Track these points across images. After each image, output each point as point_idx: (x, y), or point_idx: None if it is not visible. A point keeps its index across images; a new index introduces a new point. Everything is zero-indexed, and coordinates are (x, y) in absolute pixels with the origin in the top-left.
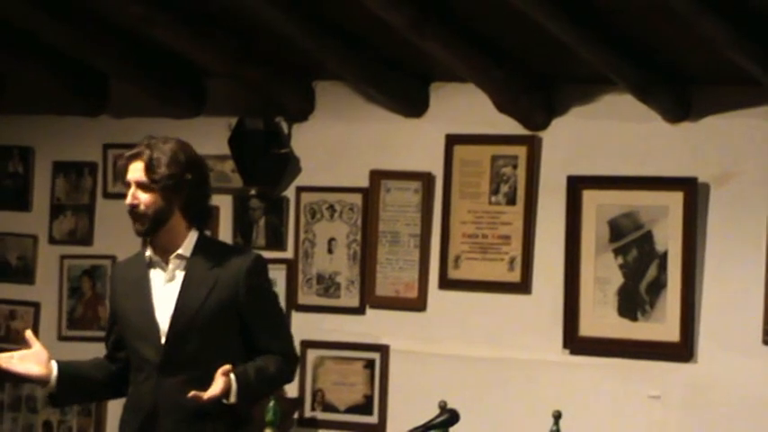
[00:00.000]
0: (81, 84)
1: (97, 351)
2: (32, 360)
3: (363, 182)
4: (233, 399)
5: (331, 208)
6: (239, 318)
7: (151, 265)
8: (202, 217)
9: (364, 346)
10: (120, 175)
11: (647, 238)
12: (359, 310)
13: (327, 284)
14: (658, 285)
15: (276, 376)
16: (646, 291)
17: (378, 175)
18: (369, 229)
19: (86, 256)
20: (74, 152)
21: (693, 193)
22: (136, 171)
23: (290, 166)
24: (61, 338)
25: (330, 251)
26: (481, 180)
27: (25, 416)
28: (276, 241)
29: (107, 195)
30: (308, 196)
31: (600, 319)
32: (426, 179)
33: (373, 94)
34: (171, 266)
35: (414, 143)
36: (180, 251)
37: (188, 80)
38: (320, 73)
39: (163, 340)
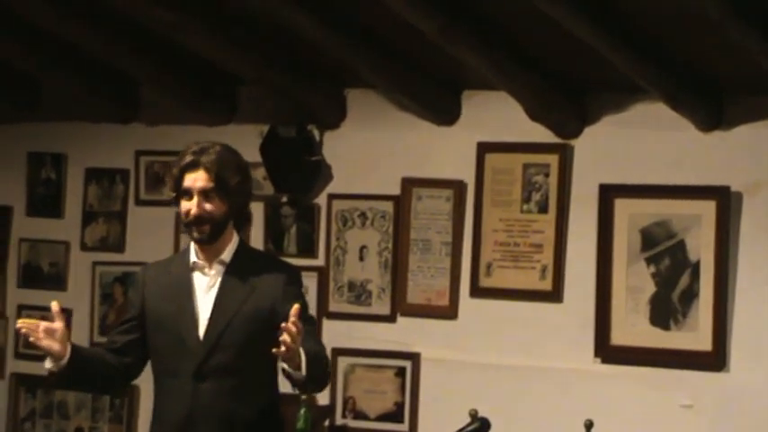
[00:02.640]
0: (113, 91)
1: None
2: (54, 336)
3: (395, 189)
4: (303, 369)
5: (362, 215)
6: (276, 328)
7: (194, 269)
8: (245, 222)
9: (395, 354)
10: (174, 183)
11: (680, 246)
12: (390, 318)
13: (359, 292)
14: (691, 294)
15: (327, 363)
16: (678, 300)
17: (409, 183)
18: (400, 236)
19: (118, 262)
20: (106, 159)
21: (726, 201)
22: (199, 180)
23: (321, 173)
24: (93, 345)
25: (361, 259)
26: (513, 188)
27: (57, 422)
28: (307, 249)
29: (139, 202)
30: (339, 204)
31: (632, 327)
32: (458, 187)
33: (405, 102)
34: (213, 272)
35: (445, 151)
36: (222, 256)
37: (220, 87)
38: (352, 81)
39: (200, 346)
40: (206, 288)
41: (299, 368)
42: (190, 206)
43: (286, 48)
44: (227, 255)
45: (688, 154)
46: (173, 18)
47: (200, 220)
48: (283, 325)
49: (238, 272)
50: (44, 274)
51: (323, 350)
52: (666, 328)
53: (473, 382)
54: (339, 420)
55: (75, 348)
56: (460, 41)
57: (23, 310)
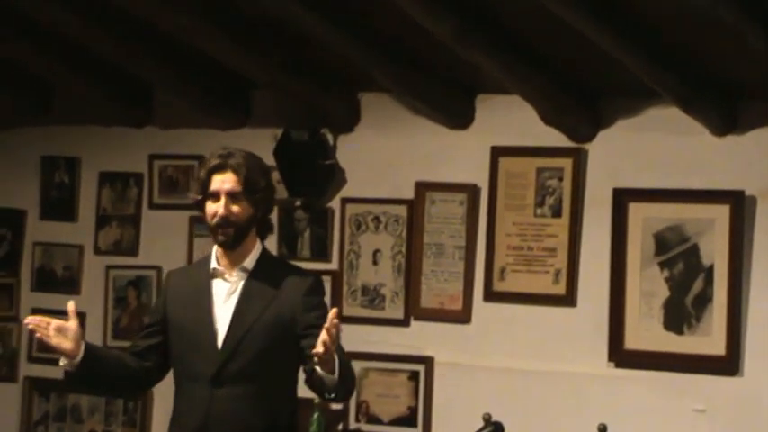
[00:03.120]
0: (127, 95)
1: None
2: (66, 334)
3: (408, 194)
4: (336, 373)
5: (376, 219)
6: (296, 336)
7: (214, 275)
8: (267, 229)
9: (409, 358)
10: (201, 186)
11: (694, 251)
12: (403, 322)
13: (372, 296)
14: (704, 299)
15: (354, 373)
16: (692, 304)
17: (423, 187)
18: (414, 240)
19: (132, 266)
20: (120, 163)
21: (740, 206)
22: (227, 182)
23: (335, 177)
24: (110, 349)
25: (375, 263)
26: (526, 192)
27: (71, 426)
28: (321, 253)
29: (152, 206)
30: (353, 208)
31: (645, 332)
32: (471, 191)
33: (419, 106)
34: (234, 278)
35: (459, 155)
36: (245, 263)
37: (234, 91)
38: (366, 85)
39: (218, 352)
40: (226, 294)
41: (332, 372)
42: (216, 208)
43: (300, 52)
44: (249, 262)
45: (702, 158)
46: (187, 22)
47: (227, 222)
48: (326, 326)
49: (260, 279)
50: (58, 277)
51: (349, 360)
52: (680, 332)
53: (486, 386)
54: (352, 424)
55: (89, 348)
56: (475, 45)
57: (37, 314)
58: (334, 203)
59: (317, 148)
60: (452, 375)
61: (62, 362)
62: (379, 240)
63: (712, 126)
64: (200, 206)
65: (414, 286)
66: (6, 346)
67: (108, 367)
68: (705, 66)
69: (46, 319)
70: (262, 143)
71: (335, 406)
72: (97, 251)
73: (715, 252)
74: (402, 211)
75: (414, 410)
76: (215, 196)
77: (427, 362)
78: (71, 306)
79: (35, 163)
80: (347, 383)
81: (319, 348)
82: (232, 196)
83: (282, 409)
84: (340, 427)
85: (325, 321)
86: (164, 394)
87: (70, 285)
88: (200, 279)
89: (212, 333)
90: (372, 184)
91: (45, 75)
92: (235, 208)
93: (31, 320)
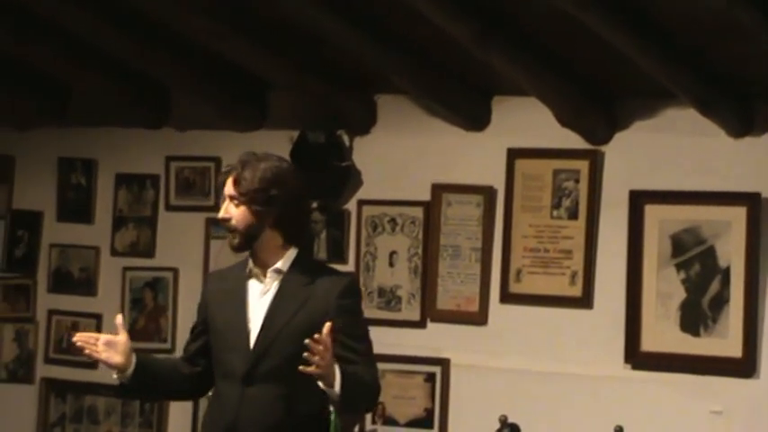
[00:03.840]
0: (143, 96)
1: None
2: (116, 348)
3: (425, 195)
4: (337, 387)
5: (392, 221)
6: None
7: (250, 276)
8: (299, 235)
9: (425, 360)
10: (220, 190)
11: (710, 253)
12: (420, 324)
13: (388, 298)
14: (721, 301)
15: (370, 386)
16: (708, 306)
17: (439, 189)
18: (430, 242)
19: (148, 268)
20: (136, 164)
21: (756, 208)
22: (228, 185)
23: (351, 179)
24: None
25: (391, 264)
26: (543, 194)
27: (87, 427)
28: (337, 254)
29: (169, 208)
30: (369, 209)
31: (662, 334)
32: (488, 193)
33: (435, 108)
34: (267, 280)
35: (475, 157)
36: (277, 265)
37: (250, 93)
38: (382, 86)
39: (250, 352)
40: (260, 295)
41: (331, 386)
42: (220, 212)
43: (317, 53)
44: (282, 264)
45: (718, 160)
46: (204, 23)
47: (226, 224)
48: (306, 341)
49: (294, 281)
50: (74, 279)
51: (370, 374)
52: (696, 334)
53: (503, 388)
54: (369, 426)
55: (140, 360)
56: (492, 47)
57: (54, 316)
58: (351, 205)
59: (333, 150)
60: (469, 377)
61: (114, 375)
62: (395, 242)
63: (729, 128)
64: None
65: (430, 288)
66: (23, 348)
67: (160, 376)
68: (722, 67)
69: (94, 335)
70: (278, 144)
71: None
72: (114, 252)
73: (731, 254)
74: (418, 212)
75: (430, 412)
76: (224, 200)
77: (443, 363)
78: (119, 320)
79: (52, 164)
80: (353, 402)
81: (306, 368)
82: (232, 200)
83: (312, 411)
84: (356, 428)
85: (354, 328)
86: None
87: (87, 287)
88: (237, 280)
89: (245, 333)
90: (389, 186)
91: (62, 76)
92: (233, 211)
93: (79, 337)
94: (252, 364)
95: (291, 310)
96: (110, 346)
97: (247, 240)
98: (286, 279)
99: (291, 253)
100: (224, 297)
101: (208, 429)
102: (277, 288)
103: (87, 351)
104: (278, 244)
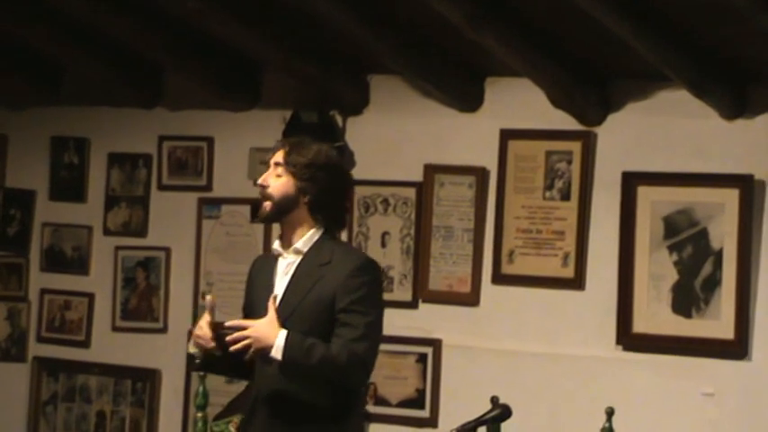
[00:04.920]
0: (136, 76)
1: (150, 342)
2: (208, 329)
3: (417, 176)
4: (277, 353)
5: (385, 202)
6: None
7: (278, 255)
8: (332, 221)
9: (417, 341)
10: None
11: (702, 234)
12: (412, 305)
13: None
14: (713, 282)
15: (330, 358)
16: (700, 288)
17: (432, 170)
18: (422, 223)
19: (140, 247)
20: (129, 144)
21: (749, 190)
22: (278, 155)
23: (344, 159)
24: (115, 329)
25: (383, 245)
26: (535, 175)
27: (79, 405)
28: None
29: (162, 187)
30: (361, 190)
31: (654, 315)
32: (480, 174)
33: (428, 89)
34: (288, 259)
35: (468, 138)
36: (297, 245)
37: (244, 73)
38: (375, 67)
39: None
40: (282, 273)
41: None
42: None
43: (310, 34)
44: (303, 244)
45: (711, 142)
46: (198, 4)
47: (262, 191)
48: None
49: (311, 261)
50: (67, 258)
51: (345, 349)
52: (688, 316)
53: (494, 368)
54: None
55: (217, 336)
56: (486, 29)
57: (46, 294)
58: None
59: (326, 130)
60: (460, 358)
61: (191, 349)
62: (387, 222)
63: (722, 110)
64: None
65: (422, 269)
66: (15, 327)
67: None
68: (716, 49)
69: (208, 333)
70: (271, 125)
71: None
72: (106, 232)
73: (724, 236)
74: (411, 193)
75: (422, 393)
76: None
77: (435, 344)
78: (210, 300)
79: (45, 144)
80: (295, 367)
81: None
82: (276, 169)
83: (326, 389)
84: None
85: (359, 306)
86: (172, 376)
87: (79, 266)
88: (271, 260)
89: (267, 311)
90: (381, 167)
91: (56, 56)
92: (274, 180)
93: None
94: None
95: (305, 290)
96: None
97: (279, 211)
98: (304, 259)
99: (314, 234)
100: (258, 277)
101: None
102: (295, 268)
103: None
104: (305, 224)
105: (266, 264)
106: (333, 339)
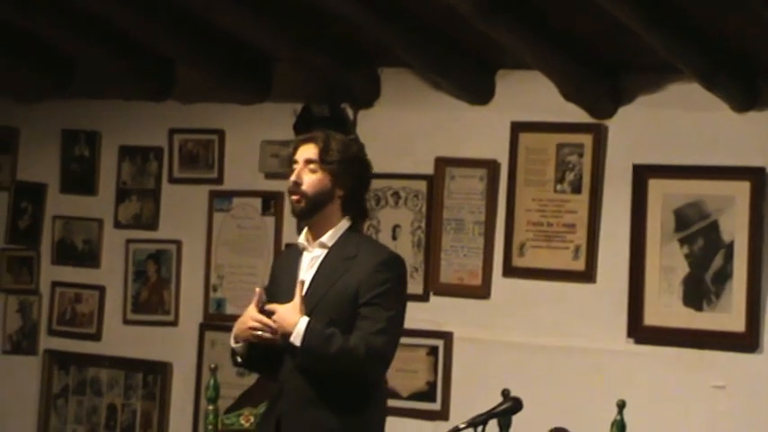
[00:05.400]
0: (147, 69)
1: (162, 334)
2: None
3: (428, 169)
4: (296, 339)
5: (396, 195)
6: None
7: (303, 249)
8: (357, 213)
9: (428, 333)
10: (289, 157)
11: (714, 227)
12: (423, 297)
13: None
14: (724, 275)
15: (348, 350)
16: (711, 280)
17: (443, 163)
18: (433, 216)
19: (151, 240)
20: (140, 137)
21: (760, 182)
22: (308, 151)
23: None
24: (126, 322)
25: (394, 238)
26: (546, 168)
27: (90, 399)
28: None
29: (172, 180)
30: (372, 183)
31: (665, 308)
32: (491, 167)
33: (439, 82)
34: (315, 253)
35: (479, 130)
36: (323, 239)
37: (254, 66)
38: (386, 59)
39: None
40: (307, 267)
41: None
42: (292, 176)
43: (321, 26)
44: (328, 238)
45: (722, 135)
46: None
47: (297, 188)
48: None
49: (337, 255)
50: (78, 251)
51: (363, 341)
52: (699, 308)
53: (505, 361)
54: None
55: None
56: (497, 21)
57: (57, 287)
58: None
59: (337, 123)
60: (471, 351)
61: (233, 342)
62: (398, 215)
63: (733, 102)
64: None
65: (433, 262)
66: (27, 319)
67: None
68: (727, 41)
69: (265, 320)
70: (282, 117)
71: None
72: (117, 225)
73: (735, 228)
74: (422, 186)
75: (432, 385)
76: (295, 164)
77: (446, 337)
78: (258, 292)
79: (56, 137)
80: (313, 355)
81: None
82: (309, 165)
83: (351, 384)
84: None
85: (381, 300)
86: (182, 368)
87: (90, 259)
88: (295, 254)
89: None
90: (392, 160)
91: (67, 49)
92: (308, 177)
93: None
94: None
95: (330, 282)
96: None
97: (314, 207)
98: (330, 252)
99: (341, 227)
100: (283, 270)
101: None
102: (320, 261)
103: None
104: (335, 218)
105: (291, 258)
106: (354, 332)
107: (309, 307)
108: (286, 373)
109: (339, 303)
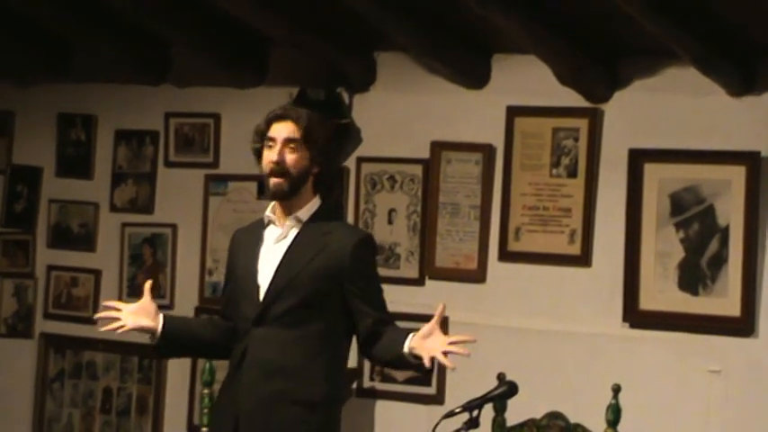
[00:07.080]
0: (143, 52)
1: None
2: (142, 313)
3: (424, 153)
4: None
5: (391, 179)
6: (342, 287)
7: (268, 224)
8: (328, 188)
9: (423, 318)
10: (259, 135)
11: (709, 212)
12: (418, 282)
13: (387, 255)
14: (720, 260)
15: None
16: (707, 265)
17: (439, 147)
18: (429, 200)
19: (147, 224)
20: (136, 120)
21: (756, 167)
22: (286, 129)
23: (350, 136)
24: None
25: (390, 222)
26: (542, 152)
27: (85, 382)
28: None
29: (168, 164)
30: (368, 167)
31: (660, 293)
32: (487, 151)
33: (435, 66)
34: (287, 225)
35: (475, 115)
36: (298, 214)
37: (251, 49)
38: (382, 44)
39: (261, 296)
40: (276, 240)
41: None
42: (272, 155)
43: (317, 10)
44: (303, 213)
45: (718, 119)
46: None
47: (279, 168)
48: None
49: (312, 230)
50: (73, 234)
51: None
52: (695, 293)
53: (501, 345)
54: (367, 383)
55: (167, 319)
56: (492, 5)
57: (53, 271)
58: (350, 162)
59: (333, 107)
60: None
61: (147, 338)
62: (394, 199)
63: (730, 86)
64: (257, 156)
65: (429, 246)
66: (22, 303)
67: (192, 333)
68: (723, 26)
69: (116, 305)
70: (278, 101)
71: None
72: (113, 209)
73: (731, 213)
74: (417, 170)
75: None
76: (272, 143)
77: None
78: (148, 286)
79: (52, 120)
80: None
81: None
82: (289, 144)
83: (320, 356)
84: (354, 385)
85: (370, 281)
86: None
87: (86, 243)
88: (256, 230)
89: (256, 277)
90: (388, 144)
91: (63, 32)
92: (290, 156)
93: (101, 315)
94: (263, 307)
95: (309, 256)
96: (137, 312)
97: (297, 186)
98: (305, 228)
99: (314, 204)
100: (244, 248)
101: (229, 369)
102: (295, 235)
103: (114, 326)
104: (309, 193)
105: (247, 235)
106: (360, 316)
107: (287, 278)
108: (244, 342)
109: (320, 277)
